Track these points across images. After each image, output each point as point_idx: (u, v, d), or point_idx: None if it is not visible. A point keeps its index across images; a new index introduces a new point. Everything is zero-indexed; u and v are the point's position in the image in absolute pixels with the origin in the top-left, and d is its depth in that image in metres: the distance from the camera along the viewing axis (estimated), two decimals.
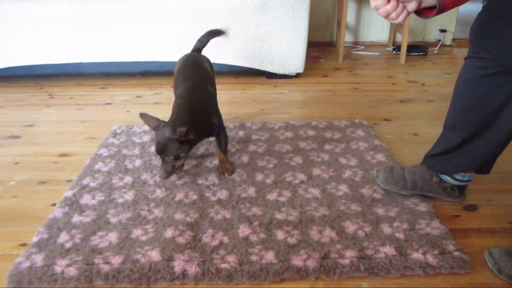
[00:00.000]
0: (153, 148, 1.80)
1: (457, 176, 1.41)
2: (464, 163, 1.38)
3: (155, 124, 1.46)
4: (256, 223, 1.32)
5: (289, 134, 1.95)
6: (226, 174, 1.59)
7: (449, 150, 1.38)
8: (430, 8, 1.05)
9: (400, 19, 1.02)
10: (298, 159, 1.72)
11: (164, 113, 2.26)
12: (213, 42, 2.60)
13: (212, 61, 2.64)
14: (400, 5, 1.00)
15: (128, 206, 1.41)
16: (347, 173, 1.61)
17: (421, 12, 1.07)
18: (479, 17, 1.26)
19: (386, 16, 1.02)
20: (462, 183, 1.43)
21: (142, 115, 1.47)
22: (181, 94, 1.59)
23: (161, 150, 1.43)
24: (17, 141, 1.95)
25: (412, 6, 1.00)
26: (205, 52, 2.63)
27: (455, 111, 1.36)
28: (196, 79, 1.67)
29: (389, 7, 1.00)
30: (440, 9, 1.03)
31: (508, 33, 1.18)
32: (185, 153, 1.48)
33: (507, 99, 1.24)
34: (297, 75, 2.83)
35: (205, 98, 1.62)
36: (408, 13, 1.03)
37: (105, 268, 1.14)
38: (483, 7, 1.24)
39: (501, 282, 1.12)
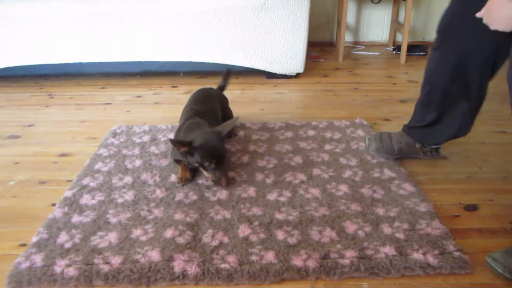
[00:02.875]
0: (153, 148, 1.80)
1: None
2: (444, 135, 1.61)
3: (187, 142, 1.46)
4: (256, 223, 1.32)
5: (289, 134, 1.95)
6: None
7: (428, 125, 1.59)
8: None
9: None
10: (298, 159, 1.72)
11: (164, 113, 2.27)
12: (213, 42, 2.61)
13: (212, 61, 2.66)
14: None
15: (128, 206, 1.41)
16: (347, 173, 1.61)
17: None
18: (446, 12, 1.41)
19: None
20: (439, 146, 1.68)
21: (171, 141, 1.46)
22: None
23: (223, 151, 1.49)
24: (17, 141, 1.95)
25: None
26: (206, 51, 2.64)
27: (428, 94, 1.57)
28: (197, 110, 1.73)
29: None
30: None
31: (464, 27, 1.32)
32: None
33: (470, 81, 1.44)
34: (297, 75, 2.82)
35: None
36: None
37: (105, 268, 1.14)
38: (450, 1, 1.40)
39: (501, 282, 1.12)
